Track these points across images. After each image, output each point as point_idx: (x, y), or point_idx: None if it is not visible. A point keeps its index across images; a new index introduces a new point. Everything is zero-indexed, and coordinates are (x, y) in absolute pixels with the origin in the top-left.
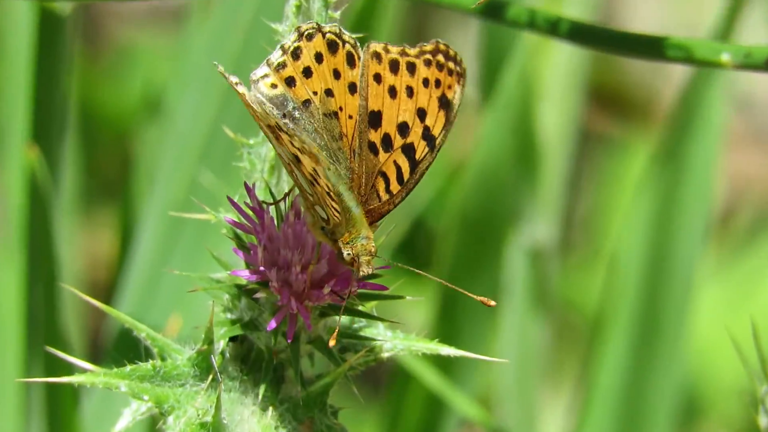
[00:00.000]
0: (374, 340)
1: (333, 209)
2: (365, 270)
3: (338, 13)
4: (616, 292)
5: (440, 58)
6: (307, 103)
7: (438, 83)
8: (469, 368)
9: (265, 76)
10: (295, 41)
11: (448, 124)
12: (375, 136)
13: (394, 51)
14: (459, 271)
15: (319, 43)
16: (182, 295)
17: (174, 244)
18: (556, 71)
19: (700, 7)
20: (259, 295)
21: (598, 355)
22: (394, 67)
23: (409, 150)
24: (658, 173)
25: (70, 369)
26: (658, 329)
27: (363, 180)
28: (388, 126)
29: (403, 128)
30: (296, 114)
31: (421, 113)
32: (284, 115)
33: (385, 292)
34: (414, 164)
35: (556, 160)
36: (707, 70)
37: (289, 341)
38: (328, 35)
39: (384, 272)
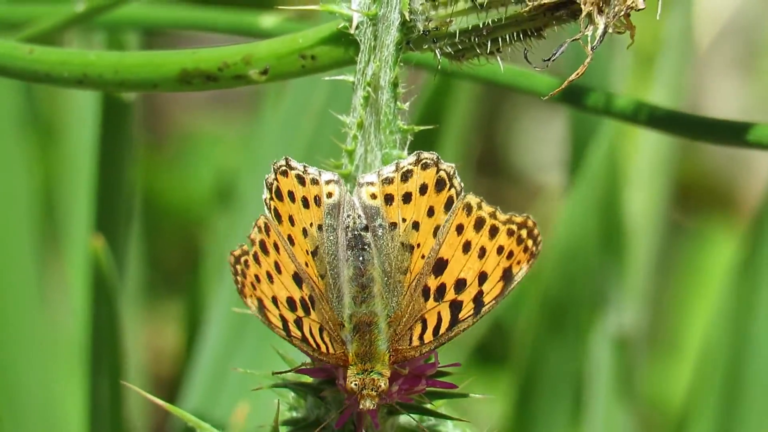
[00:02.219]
0: None
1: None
2: (365, 405)
3: (407, 104)
4: (701, 389)
5: (523, 233)
6: (393, 225)
7: (510, 255)
8: None
9: (371, 184)
10: (411, 164)
11: (500, 296)
12: (432, 283)
13: (486, 210)
14: (539, 361)
15: (430, 176)
16: (247, 392)
17: (240, 340)
18: (645, 155)
19: None
20: (326, 393)
21: None
22: (479, 224)
23: (456, 307)
24: (745, 266)
25: None
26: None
27: (404, 319)
28: (448, 277)
29: (461, 285)
30: (380, 232)
31: (483, 277)
32: (366, 228)
33: (454, 390)
34: (454, 322)
35: (644, 246)
36: None
37: None
38: (441, 173)
39: (449, 371)
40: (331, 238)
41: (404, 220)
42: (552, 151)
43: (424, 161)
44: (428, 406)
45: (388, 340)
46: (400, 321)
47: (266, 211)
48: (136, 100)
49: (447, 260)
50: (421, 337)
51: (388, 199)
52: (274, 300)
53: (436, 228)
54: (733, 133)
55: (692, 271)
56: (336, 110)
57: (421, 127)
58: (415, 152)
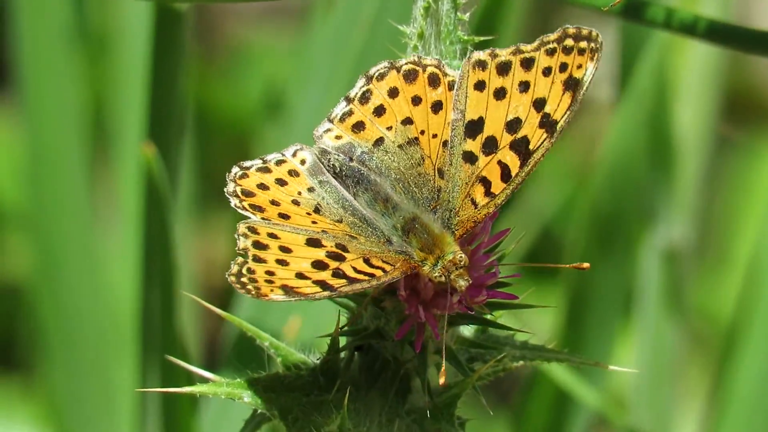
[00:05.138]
0: (504, 349)
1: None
2: (463, 283)
3: (467, 15)
4: (752, 300)
5: (568, 42)
6: (379, 141)
7: (564, 67)
8: (597, 374)
9: (328, 130)
10: (362, 86)
11: (574, 103)
12: (473, 145)
13: (505, 53)
14: (589, 274)
15: (392, 79)
16: (301, 303)
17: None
18: (693, 69)
19: None
20: (386, 303)
21: (732, 365)
22: (503, 69)
23: (519, 144)
24: None
25: (188, 377)
26: None
27: (453, 194)
28: (492, 128)
29: (514, 125)
30: (365, 157)
31: (539, 103)
32: (351, 159)
33: (514, 301)
34: (526, 156)
35: (692, 161)
36: None
37: (417, 351)
38: (404, 67)
39: (509, 282)
40: (328, 188)
41: (389, 127)
42: (603, 65)
43: (377, 74)
44: (488, 317)
45: (446, 219)
46: (449, 197)
47: (244, 213)
48: (189, 13)
49: (480, 117)
50: (489, 193)
51: (358, 126)
52: (300, 275)
53: (435, 105)
54: None
55: (741, 185)
56: (390, 17)
57: (482, 38)
58: (360, 77)
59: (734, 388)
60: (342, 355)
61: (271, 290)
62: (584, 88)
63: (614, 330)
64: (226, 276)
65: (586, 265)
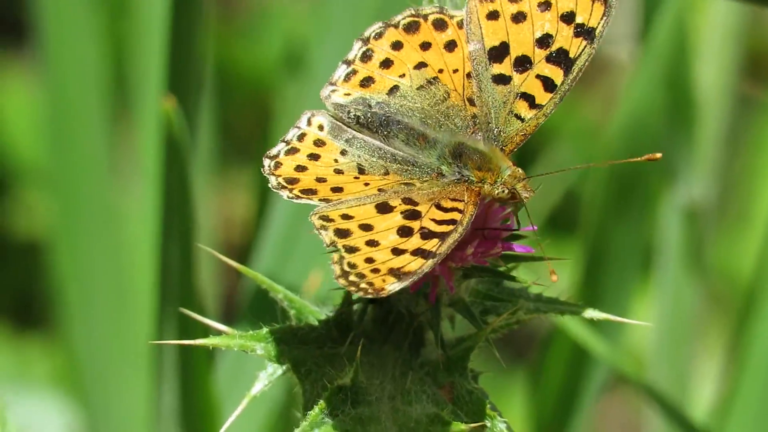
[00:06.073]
0: (518, 301)
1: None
2: (527, 194)
3: None
4: None
5: None
6: (394, 89)
7: None
8: (614, 331)
9: (334, 91)
10: (360, 48)
11: (608, 8)
12: (501, 68)
13: None
14: (607, 232)
15: (392, 34)
16: (319, 256)
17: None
18: (714, 27)
19: None
20: None
21: (751, 323)
22: None
23: (557, 56)
24: None
25: (205, 330)
26: None
27: (492, 114)
28: (521, 49)
29: (545, 40)
30: (382, 105)
31: (568, 17)
32: (370, 107)
33: (529, 254)
34: (568, 65)
35: (713, 119)
36: None
37: (431, 303)
38: (403, 21)
39: (526, 235)
40: (359, 144)
41: (402, 75)
42: (622, 23)
43: (374, 34)
44: (503, 269)
45: (491, 138)
46: (487, 119)
47: (300, 202)
48: None
49: (502, 42)
50: (534, 105)
51: (365, 82)
52: (396, 251)
53: (448, 44)
54: None
55: (762, 143)
56: None
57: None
58: (355, 41)
59: (753, 347)
60: (355, 307)
61: (383, 280)
62: None
63: (632, 288)
64: (335, 279)
65: (658, 155)
